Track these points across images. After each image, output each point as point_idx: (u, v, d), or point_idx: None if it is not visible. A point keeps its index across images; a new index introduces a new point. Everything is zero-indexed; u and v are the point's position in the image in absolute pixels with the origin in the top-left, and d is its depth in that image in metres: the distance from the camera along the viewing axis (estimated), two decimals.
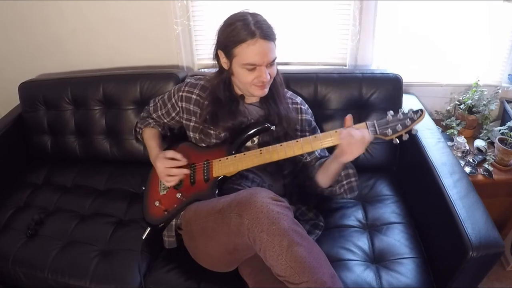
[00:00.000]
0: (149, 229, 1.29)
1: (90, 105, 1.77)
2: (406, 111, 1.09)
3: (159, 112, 1.43)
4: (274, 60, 1.18)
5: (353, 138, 1.07)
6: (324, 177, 1.27)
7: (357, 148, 1.08)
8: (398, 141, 1.09)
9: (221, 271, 1.21)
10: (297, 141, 1.15)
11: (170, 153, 1.25)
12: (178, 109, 1.38)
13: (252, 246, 0.99)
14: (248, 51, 1.13)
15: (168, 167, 1.23)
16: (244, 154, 1.21)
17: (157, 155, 1.29)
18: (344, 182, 1.29)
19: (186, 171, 1.25)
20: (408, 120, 1.08)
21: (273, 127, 1.25)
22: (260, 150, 1.18)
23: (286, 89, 1.41)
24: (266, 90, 1.24)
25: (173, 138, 1.50)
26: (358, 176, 1.31)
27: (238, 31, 1.12)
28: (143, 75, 1.73)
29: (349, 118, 1.13)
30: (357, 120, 1.58)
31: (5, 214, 1.56)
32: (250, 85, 1.20)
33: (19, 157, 1.88)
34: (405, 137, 1.09)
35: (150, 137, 1.42)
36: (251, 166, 1.20)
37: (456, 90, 1.89)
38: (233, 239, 1.04)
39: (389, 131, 1.08)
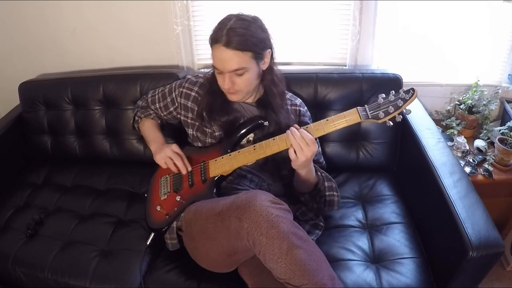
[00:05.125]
0: (153, 234, 1.29)
1: (90, 105, 1.77)
2: (398, 92, 1.08)
3: (157, 104, 1.44)
4: (239, 70, 1.14)
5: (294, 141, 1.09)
6: (295, 182, 1.27)
7: (305, 149, 1.09)
8: (391, 123, 1.08)
9: (220, 271, 1.22)
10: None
11: (183, 156, 1.28)
12: (176, 104, 1.39)
13: (252, 249, 0.99)
14: (214, 54, 1.15)
15: (174, 158, 1.26)
16: (239, 152, 1.21)
17: (164, 143, 1.35)
18: (326, 194, 1.29)
19: (188, 168, 1.27)
20: (400, 100, 1.06)
21: (266, 123, 1.25)
22: (254, 146, 1.18)
23: (285, 91, 1.40)
24: (237, 97, 1.24)
25: (175, 141, 1.50)
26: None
27: (214, 33, 1.14)
28: (143, 75, 1.72)
29: (295, 125, 1.13)
30: None
31: (5, 214, 1.56)
32: (222, 89, 1.23)
33: (19, 157, 1.87)
34: (398, 118, 1.07)
35: (152, 127, 1.44)
36: (246, 163, 1.20)
37: (456, 90, 1.89)
38: (232, 242, 1.04)
39: (381, 113, 1.07)
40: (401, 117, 1.07)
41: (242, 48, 1.11)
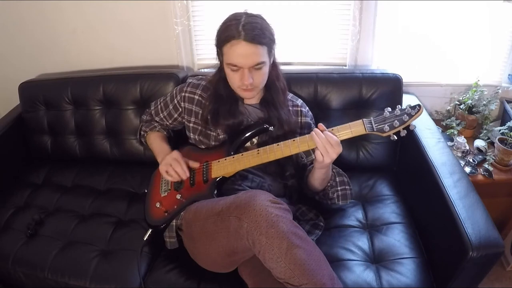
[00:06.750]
0: (150, 230, 1.29)
1: (90, 105, 1.77)
2: (403, 107, 1.09)
3: (161, 114, 1.44)
4: (259, 64, 1.15)
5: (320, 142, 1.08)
6: (312, 181, 1.27)
7: (330, 151, 1.08)
8: (395, 138, 1.09)
9: (220, 271, 1.22)
10: (293, 140, 1.15)
11: (184, 159, 1.27)
12: (180, 109, 1.38)
13: (251, 249, 0.99)
14: (231, 51, 1.13)
15: (173, 165, 1.24)
16: (242, 155, 1.21)
17: (168, 153, 1.29)
18: (339, 188, 1.29)
19: (187, 174, 1.25)
20: (406, 115, 1.07)
21: (271, 128, 1.25)
22: (258, 150, 1.18)
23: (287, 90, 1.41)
24: (253, 94, 1.24)
25: (176, 140, 1.50)
26: (351, 184, 1.33)
27: (227, 30, 1.13)
28: (143, 75, 1.72)
29: (320, 124, 1.13)
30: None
31: (5, 214, 1.56)
32: (236, 87, 1.21)
33: (19, 157, 1.87)
34: (403, 133, 1.08)
35: (159, 139, 1.42)
36: (249, 166, 1.20)
37: (456, 90, 1.89)
38: (232, 241, 1.04)
39: (386, 127, 1.08)
40: (406, 132, 1.08)
41: (261, 41, 1.13)
